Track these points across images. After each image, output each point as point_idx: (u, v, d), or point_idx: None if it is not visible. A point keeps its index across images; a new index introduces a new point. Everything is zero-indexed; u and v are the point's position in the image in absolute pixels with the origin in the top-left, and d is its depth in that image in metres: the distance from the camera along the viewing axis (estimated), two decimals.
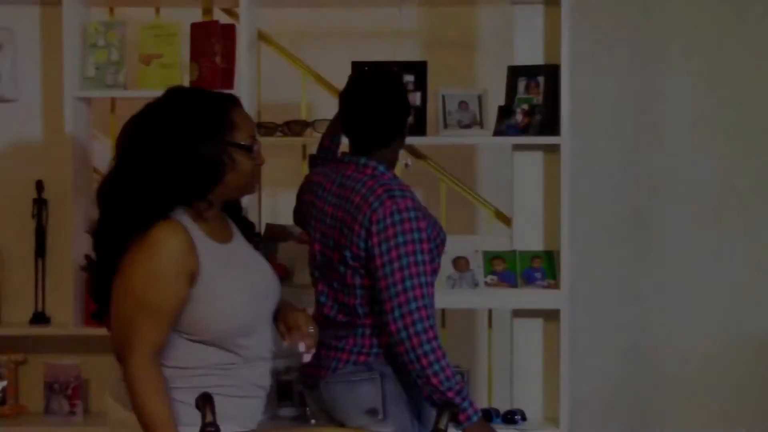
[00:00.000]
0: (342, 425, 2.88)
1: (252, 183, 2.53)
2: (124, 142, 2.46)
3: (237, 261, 2.51)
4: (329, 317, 2.91)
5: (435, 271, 2.91)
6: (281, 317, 2.64)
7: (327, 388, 2.88)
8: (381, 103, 2.90)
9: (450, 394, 2.70)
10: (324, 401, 2.92)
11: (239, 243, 2.58)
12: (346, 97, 2.96)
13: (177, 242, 2.36)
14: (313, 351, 2.63)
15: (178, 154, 2.38)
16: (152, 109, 2.47)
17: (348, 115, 2.95)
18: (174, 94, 2.51)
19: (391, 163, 2.96)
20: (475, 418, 2.74)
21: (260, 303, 2.55)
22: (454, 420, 2.63)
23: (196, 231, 2.42)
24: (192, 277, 2.39)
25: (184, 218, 2.42)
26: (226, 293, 2.43)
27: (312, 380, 2.93)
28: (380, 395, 2.82)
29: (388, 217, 2.74)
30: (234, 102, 2.51)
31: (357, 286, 2.83)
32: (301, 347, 2.60)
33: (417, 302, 2.71)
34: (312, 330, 2.63)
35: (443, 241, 2.97)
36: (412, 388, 2.81)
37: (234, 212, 2.63)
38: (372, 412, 2.82)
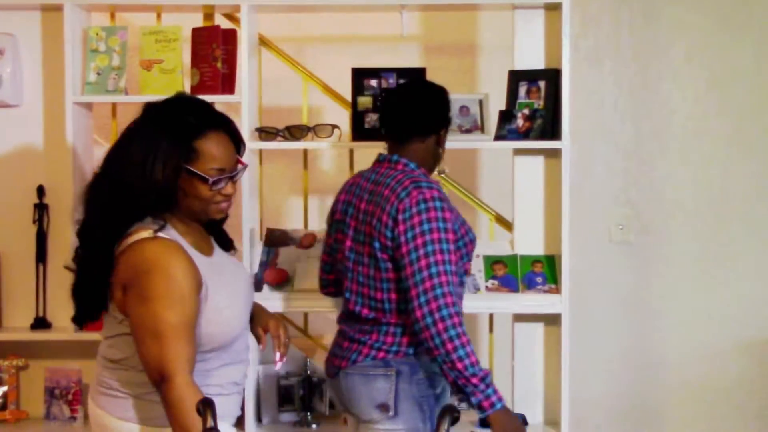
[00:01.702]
0: (356, 416, 2.97)
1: (209, 211, 2.53)
2: (111, 148, 2.54)
3: (224, 271, 2.56)
4: (354, 312, 2.99)
5: (466, 271, 3.02)
6: (258, 321, 2.73)
7: (344, 379, 2.96)
8: (420, 94, 3.06)
9: (474, 380, 2.75)
10: (341, 391, 2.99)
11: (219, 254, 2.63)
12: (388, 91, 3.11)
13: (182, 258, 2.41)
14: (285, 360, 2.71)
15: (131, 174, 2.42)
16: (134, 122, 2.52)
17: (387, 103, 3.09)
18: (154, 108, 2.52)
19: (424, 163, 3.03)
20: (498, 405, 2.79)
21: (246, 309, 2.64)
22: (479, 407, 2.76)
23: (187, 245, 2.48)
24: (200, 286, 2.44)
25: (173, 233, 2.46)
26: (224, 305, 2.49)
27: (333, 369, 3.02)
28: (393, 392, 2.88)
29: (414, 206, 2.83)
30: (212, 127, 2.48)
31: (383, 279, 2.90)
32: (277, 356, 2.69)
33: (442, 288, 2.77)
34: (287, 340, 2.72)
35: (472, 241, 3.03)
36: (427, 389, 2.89)
37: (212, 225, 2.65)
38: (383, 407, 2.88)
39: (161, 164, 2.41)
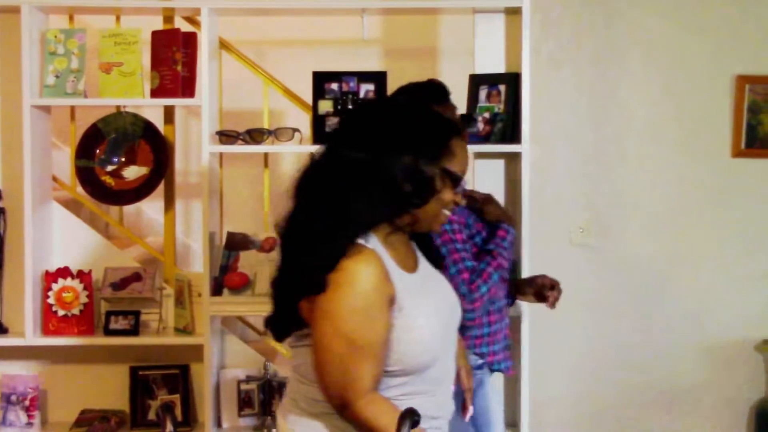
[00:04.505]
0: None
1: (439, 218, 2.34)
2: (341, 136, 2.31)
3: (426, 289, 2.35)
4: None
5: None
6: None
7: None
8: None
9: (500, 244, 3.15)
10: None
11: (425, 270, 2.41)
12: None
13: (374, 271, 2.18)
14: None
15: (397, 164, 2.22)
16: (379, 112, 2.34)
17: None
18: (405, 105, 2.36)
19: None
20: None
21: (448, 332, 2.39)
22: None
23: (387, 258, 2.25)
24: (391, 303, 2.22)
25: (375, 244, 2.24)
26: (420, 323, 2.25)
27: None
28: None
29: None
30: (457, 132, 2.39)
31: None
32: (471, 410, 2.72)
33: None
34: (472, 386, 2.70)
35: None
36: (459, 388, 2.90)
37: (422, 239, 2.47)
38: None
39: (428, 159, 2.25)
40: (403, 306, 2.23)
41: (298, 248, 2.22)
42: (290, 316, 2.24)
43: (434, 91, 3.09)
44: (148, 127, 3.98)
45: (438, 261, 2.49)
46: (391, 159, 2.22)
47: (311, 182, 2.28)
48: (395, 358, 2.22)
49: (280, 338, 2.33)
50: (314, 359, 2.20)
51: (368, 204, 2.21)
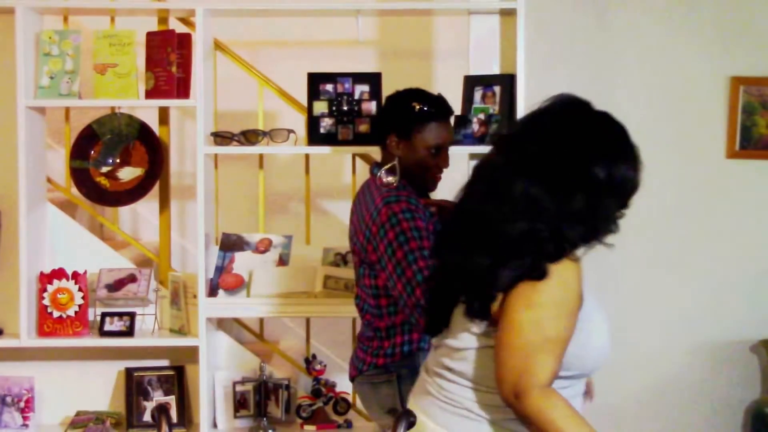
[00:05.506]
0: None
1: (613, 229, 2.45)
2: (578, 142, 2.36)
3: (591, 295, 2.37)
4: (362, 316, 3.13)
5: None
6: None
7: (357, 388, 3.17)
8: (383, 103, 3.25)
9: None
10: (357, 396, 3.20)
11: None
12: None
13: (579, 274, 2.26)
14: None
15: (632, 175, 2.35)
16: (578, 126, 2.43)
17: None
18: (611, 120, 2.44)
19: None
20: None
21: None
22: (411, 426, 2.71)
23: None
24: (581, 307, 2.25)
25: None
26: (603, 330, 2.30)
27: (350, 376, 3.20)
28: (398, 396, 3.00)
29: (386, 222, 2.93)
30: None
31: (371, 286, 3.03)
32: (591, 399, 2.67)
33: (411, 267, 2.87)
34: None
35: None
36: None
37: None
38: (392, 411, 2.97)
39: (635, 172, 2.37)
40: (589, 311, 2.26)
41: (516, 239, 2.22)
42: (482, 308, 2.22)
43: (440, 108, 3.11)
44: (143, 128, 3.98)
45: None
46: (626, 171, 2.35)
47: (525, 176, 2.26)
48: (578, 364, 2.24)
49: (438, 332, 2.34)
50: (499, 343, 2.17)
51: (604, 212, 2.40)
